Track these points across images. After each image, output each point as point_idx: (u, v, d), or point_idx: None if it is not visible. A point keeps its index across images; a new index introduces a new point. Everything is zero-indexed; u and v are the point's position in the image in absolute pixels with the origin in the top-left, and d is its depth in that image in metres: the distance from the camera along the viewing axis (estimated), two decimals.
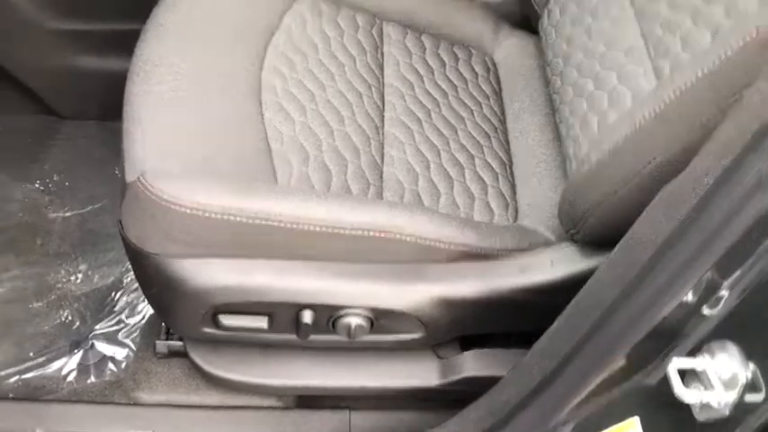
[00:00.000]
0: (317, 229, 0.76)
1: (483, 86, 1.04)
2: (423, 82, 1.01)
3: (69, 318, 1.13)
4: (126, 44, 0.93)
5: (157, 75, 0.87)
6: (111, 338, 1.11)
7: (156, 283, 0.82)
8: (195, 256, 0.78)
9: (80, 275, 1.19)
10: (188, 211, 0.74)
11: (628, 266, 0.60)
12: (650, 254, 0.58)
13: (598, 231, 0.76)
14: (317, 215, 0.76)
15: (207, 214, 0.74)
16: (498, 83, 1.07)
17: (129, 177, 0.79)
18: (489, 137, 0.98)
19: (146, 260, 0.80)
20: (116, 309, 1.15)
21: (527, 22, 1.09)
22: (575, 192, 0.78)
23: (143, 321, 1.12)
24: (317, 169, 0.87)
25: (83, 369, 1.08)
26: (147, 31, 0.92)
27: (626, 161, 0.71)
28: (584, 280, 0.66)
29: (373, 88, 0.97)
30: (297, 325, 0.82)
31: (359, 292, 0.79)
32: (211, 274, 0.78)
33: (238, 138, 0.86)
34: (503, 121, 1.02)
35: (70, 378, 1.07)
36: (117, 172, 0.81)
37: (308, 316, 0.80)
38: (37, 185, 1.29)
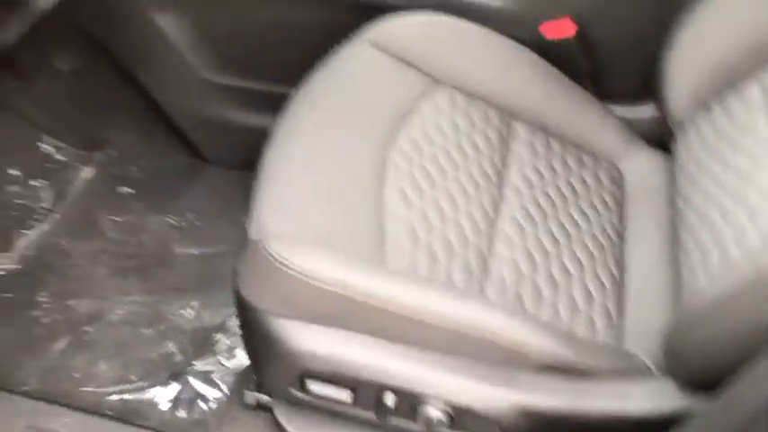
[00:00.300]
0: (417, 316, 0.78)
1: (605, 197, 1.03)
2: (544, 184, 1.01)
3: (173, 350, 1.20)
4: (276, 105, 1.00)
5: (293, 141, 0.94)
6: (206, 378, 1.16)
7: (256, 336, 0.86)
8: (296, 319, 0.82)
9: (191, 312, 1.26)
10: (298, 276, 0.78)
11: (727, 419, 0.57)
12: (751, 410, 0.55)
13: (700, 372, 0.73)
14: (420, 303, 0.78)
15: (315, 283, 0.78)
16: (622, 197, 1.05)
17: (251, 234, 0.84)
18: (604, 249, 0.97)
19: (250, 313, 0.84)
20: (216, 349, 1.20)
21: (661, 140, 1.08)
22: (683, 327, 0.75)
23: (239, 367, 1.17)
24: (425, 254, 0.89)
25: (175, 402, 1.13)
26: (295, 99, 0.99)
27: (743, 307, 0.68)
28: (678, 420, 0.63)
29: (493, 182, 0.99)
30: (378, 405, 0.83)
31: (443, 385, 0.79)
32: (307, 338, 0.81)
33: (357, 212, 0.89)
34: (620, 237, 1.00)
35: (162, 408, 1.13)
36: (245, 223, 0.88)
37: (390, 398, 0.81)
38: (170, 220, 1.39)
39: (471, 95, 1.05)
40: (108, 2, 1.27)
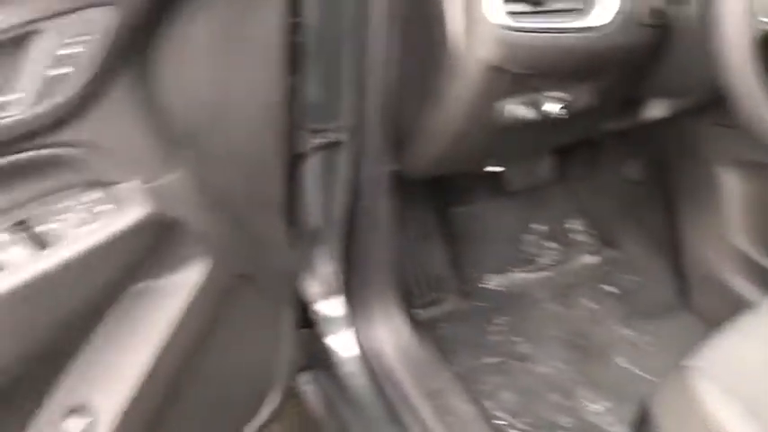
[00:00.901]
0: None
1: None
2: None
3: (562, 423, 1.29)
4: None
5: None
6: None
7: None
8: None
9: (598, 408, 1.32)
10: (710, 424, 0.78)
11: None
12: None
13: None
14: None
15: None
16: None
17: (688, 360, 0.88)
18: None
19: (645, 426, 0.88)
20: None
21: None
22: None
23: None
24: None
25: None
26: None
27: None
28: None
29: None
30: None
31: None
32: None
33: None
34: None
35: None
36: None
37: None
38: (630, 333, 1.49)
39: None
40: (680, 140, 1.44)
